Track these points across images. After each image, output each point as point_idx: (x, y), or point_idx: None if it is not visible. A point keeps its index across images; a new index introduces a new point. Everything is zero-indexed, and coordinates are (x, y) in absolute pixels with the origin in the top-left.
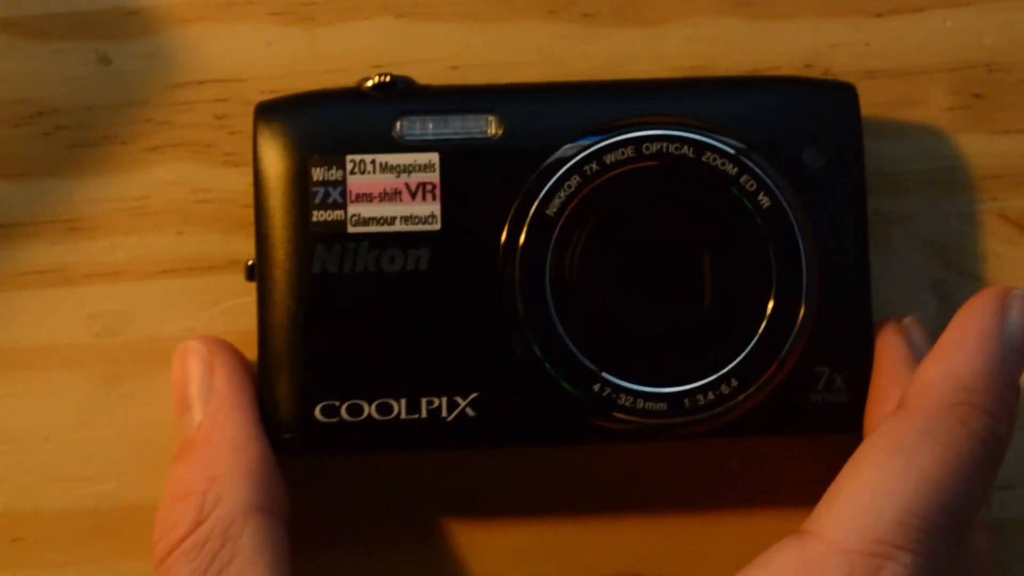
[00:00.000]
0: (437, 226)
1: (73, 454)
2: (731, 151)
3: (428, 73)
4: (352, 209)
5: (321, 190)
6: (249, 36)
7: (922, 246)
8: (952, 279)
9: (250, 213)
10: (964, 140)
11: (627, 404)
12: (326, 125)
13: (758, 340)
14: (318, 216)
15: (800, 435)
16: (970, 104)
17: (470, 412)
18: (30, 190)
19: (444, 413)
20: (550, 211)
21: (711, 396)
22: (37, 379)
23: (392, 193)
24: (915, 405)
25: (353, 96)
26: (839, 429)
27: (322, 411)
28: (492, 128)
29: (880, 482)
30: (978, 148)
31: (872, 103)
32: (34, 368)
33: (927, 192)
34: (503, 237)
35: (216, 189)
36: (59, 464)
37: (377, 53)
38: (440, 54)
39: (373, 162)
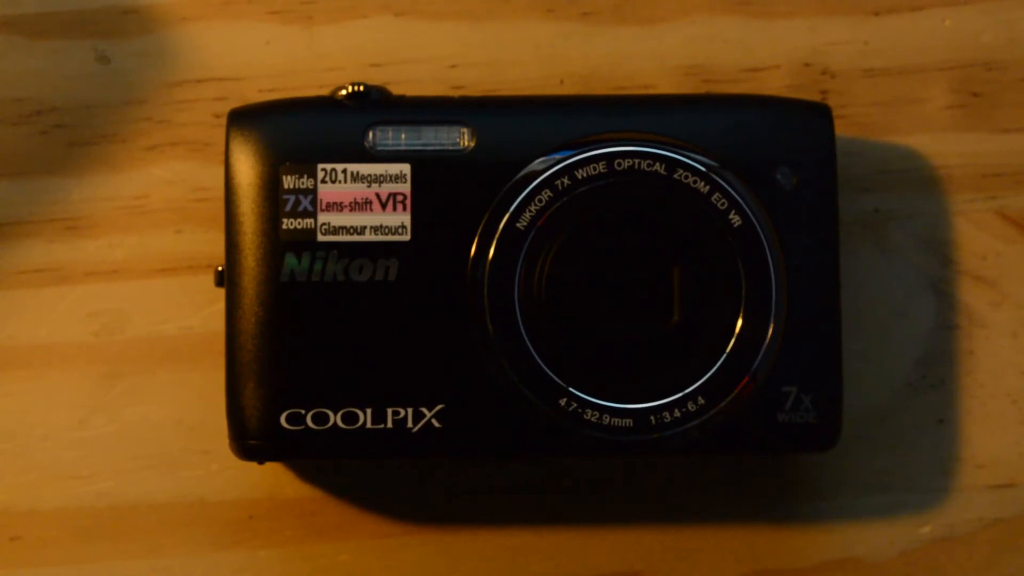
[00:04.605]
0: (407, 237)
1: (71, 453)
2: (703, 169)
3: (427, 72)
4: (322, 218)
5: (292, 198)
6: (248, 35)
7: (921, 245)
8: (951, 278)
9: None
10: (963, 139)
11: (593, 419)
12: (298, 133)
13: (726, 358)
14: (288, 224)
15: (766, 454)
16: (969, 103)
17: (436, 423)
18: (28, 189)
19: (409, 424)
20: (520, 225)
21: (677, 413)
22: (35, 378)
23: (363, 203)
24: None
25: (326, 105)
26: (805, 449)
27: (287, 419)
28: (465, 140)
29: None
30: (977, 146)
31: (871, 101)
32: (32, 367)
33: (926, 191)
34: (473, 250)
35: (215, 188)
36: (57, 463)
37: (376, 52)
38: (439, 53)
39: (344, 171)
